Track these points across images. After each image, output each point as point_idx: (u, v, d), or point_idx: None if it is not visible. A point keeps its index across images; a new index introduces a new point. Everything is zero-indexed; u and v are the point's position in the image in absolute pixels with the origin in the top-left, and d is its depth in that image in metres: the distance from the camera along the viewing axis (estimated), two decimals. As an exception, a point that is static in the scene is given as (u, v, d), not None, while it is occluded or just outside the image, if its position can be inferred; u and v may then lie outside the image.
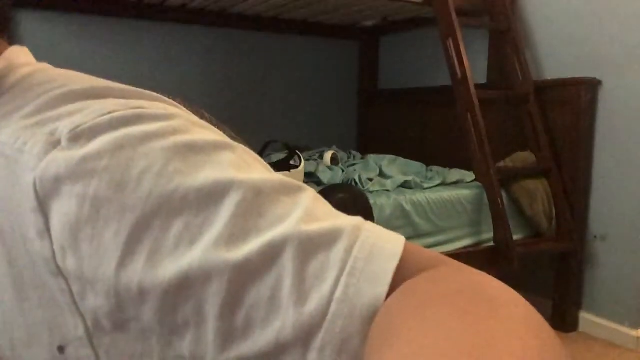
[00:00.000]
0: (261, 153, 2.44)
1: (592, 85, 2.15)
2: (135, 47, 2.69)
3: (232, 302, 0.27)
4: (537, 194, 2.18)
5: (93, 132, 0.30)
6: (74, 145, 0.30)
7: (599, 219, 2.19)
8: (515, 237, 2.10)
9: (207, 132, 0.33)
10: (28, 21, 2.42)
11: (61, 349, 0.31)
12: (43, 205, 0.30)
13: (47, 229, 0.30)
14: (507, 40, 2.32)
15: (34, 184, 0.30)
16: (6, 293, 0.32)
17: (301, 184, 0.33)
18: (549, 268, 2.29)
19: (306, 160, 2.37)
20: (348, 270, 0.27)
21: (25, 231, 0.30)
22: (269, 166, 0.35)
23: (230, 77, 2.94)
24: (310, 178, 2.28)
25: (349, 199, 1.68)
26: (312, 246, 0.28)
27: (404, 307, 0.25)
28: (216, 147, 0.32)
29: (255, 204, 0.29)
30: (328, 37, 3.18)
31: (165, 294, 0.28)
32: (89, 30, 2.57)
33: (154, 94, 0.36)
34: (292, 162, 2.23)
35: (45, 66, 0.39)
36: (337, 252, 0.28)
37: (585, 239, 2.23)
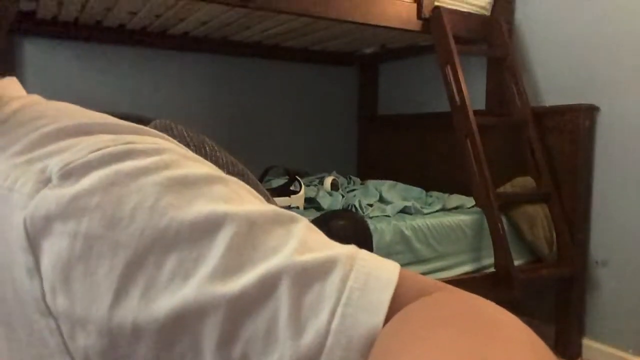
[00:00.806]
0: (261, 178, 2.45)
1: (590, 111, 2.17)
2: (136, 74, 2.73)
3: (229, 336, 0.27)
4: (537, 219, 2.18)
5: (84, 169, 0.30)
6: (64, 183, 0.30)
7: (600, 244, 2.18)
8: (516, 263, 2.09)
9: (199, 165, 0.33)
10: (30, 48, 2.45)
11: None
12: (33, 245, 0.29)
13: (37, 268, 0.29)
14: (505, 67, 2.35)
15: (24, 223, 0.30)
16: None
17: (294, 214, 0.32)
18: (550, 294, 2.27)
19: (306, 185, 2.38)
20: (344, 300, 0.27)
21: (15, 271, 0.30)
22: (261, 197, 0.35)
23: (231, 103, 2.97)
24: (311, 203, 2.28)
25: (349, 225, 1.68)
26: (307, 277, 0.28)
27: (402, 332, 0.25)
28: (208, 180, 0.32)
29: (249, 237, 0.29)
30: (328, 64, 3.22)
31: (161, 331, 0.27)
32: (90, 57, 2.60)
33: (145, 128, 0.36)
34: (292, 188, 2.24)
35: (35, 99, 0.39)
36: (332, 282, 0.28)
37: (587, 264, 2.22)
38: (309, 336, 0.27)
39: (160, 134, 0.36)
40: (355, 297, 0.27)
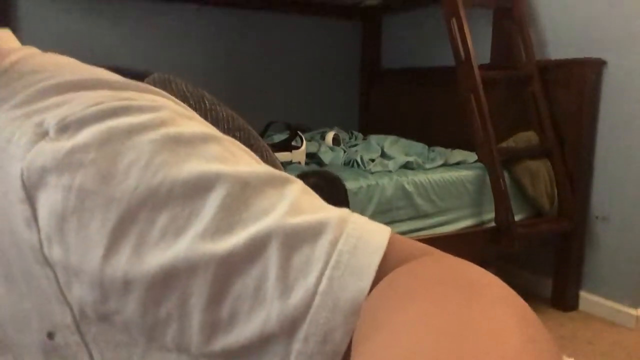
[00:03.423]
0: (263, 133, 2.44)
1: (596, 66, 2.13)
2: (136, 27, 2.67)
3: (217, 294, 0.28)
4: (539, 175, 2.18)
5: (80, 123, 0.31)
6: (61, 137, 0.30)
7: (601, 200, 2.19)
8: (516, 218, 2.10)
9: (195, 124, 0.33)
10: (25, 1, 2.39)
11: (50, 335, 0.31)
12: (30, 196, 0.30)
13: (35, 218, 0.30)
14: (511, 19, 2.30)
15: (21, 175, 0.30)
16: None
17: (288, 175, 0.33)
18: (549, 247, 2.30)
19: (308, 140, 2.37)
20: (332, 263, 0.28)
21: (13, 221, 0.31)
22: (257, 157, 0.35)
23: (232, 57, 2.92)
24: (312, 159, 2.28)
25: (321, 183, 1.69)
26: (297, 239, 0.28)
27: (386, 302, 0.26)
28: (203, 139, 0.32)
29: (242, 197, 0.29)
30: (330, 17, 3.15)
31: (150, 286, 0.28)
32: (89, 9, 2.55)
33: (145, 84, 0.36)
34: (293, 143, 2.23)
35: (32, 51, 0.38)
36: (322, 245, 0.28)
37: (587, 219, 2.23)
38: (297, 296, 0.27)
39: (160, 90, 0.36)
40: (343, 261, 0.28)
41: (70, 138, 0.30)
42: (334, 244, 0.28)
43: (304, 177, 1.68)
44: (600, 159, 2.18)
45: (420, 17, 2.95)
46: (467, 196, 2.11)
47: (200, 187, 0.29)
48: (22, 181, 0.30)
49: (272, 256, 0.28)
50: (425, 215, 2.02)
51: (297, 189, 0.32)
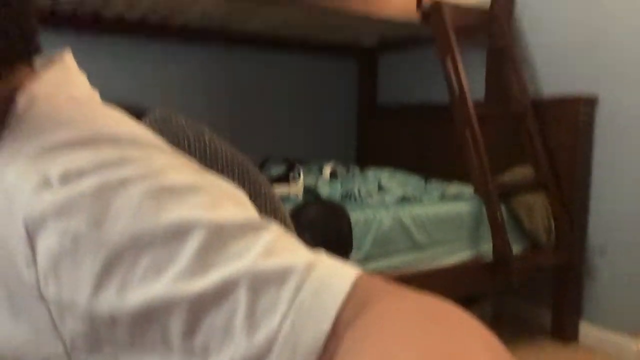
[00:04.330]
0: (261, 167, 2.46)
1: (589, 102, 2.17)
2: (138, 65, 2.73)
3: (191, 329, 0.31)
4: (535, 208, 2.19)
5: (80, 175, 0.34)
6: (61, 186, 0.34)
7: (598, 231, 2.20)
8: (514, 250, 2.10)
9: (186, 174, 0.37)
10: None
11: None
12: (31, 239, 0.33)
13: (34, 259, 0.33)
14: (505, 57, 2.36)
15: (24, 220, 0.34)
16: (3, 311, 0.36)
17: (266, 221, 0.35)
18: (548, 279, 2.29)
19: (305, 174, 2.39)
20: (295, 307, 0.30)
21: (17, 261, 0.34)
22: (244, 200, 0.38)
23: (232, 93, 2.98)
24: (310, 192, 2.29)
25: (319, 215, 1.70)
26: (265, 282, 0.31)
27: (365, 334, 0.28)
28: (189, 189, 0.35)
29: (218, 242, 0.32)
30: (328, 55, 3.22)
31: (134, 320, 0.31)
32: (92, 48, 2.61)
33: (144, 137, 0.39)
34: (291, 177, 2.25)
35: (63, 102, 0.42)
36: (288, 288, 0.31)
37: (584, 251, 2.24)
38: (261, 336, 0.30)
39: (159, 142, 0.40)
40: (305, 305, 0.30)
41: (69, 187, 0.34)
42: (299, 288, 0.31)
43: (306, 207, 1.68)
44: (596, 191, 2.20)
45: (415, 55, 3.01)
46: (465, 229, 2.12)
47: (179, 231, 0.32)
48: (25, 225, 0.34)
49: (241, 297, 0.31)
50: (423, 248, 2.02)
51: (273, 233, 0.34)
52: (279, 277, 0.31)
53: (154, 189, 0.34)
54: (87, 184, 0.34)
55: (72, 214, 0.33)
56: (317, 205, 1.76)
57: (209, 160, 0.57)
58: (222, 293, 0.31)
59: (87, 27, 2.55)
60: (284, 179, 2.21)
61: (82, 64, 0.50)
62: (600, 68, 2.15)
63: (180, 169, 0.38)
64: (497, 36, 2.37)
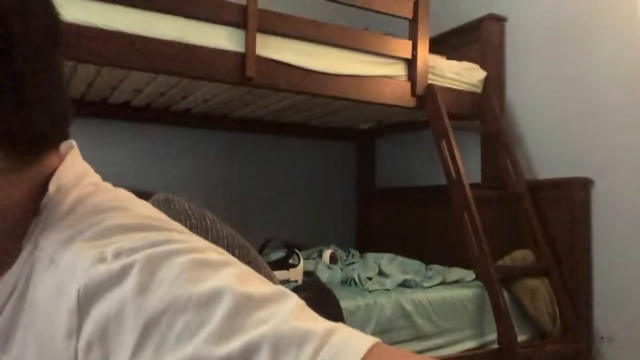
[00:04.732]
0: (261, 250, 2.44)
1: (584, 184, 2.20)
2: (139, 149, 2.78)
3: None
4: (538, 293, 2.15)
5: (132, 251, 0.38)
6: (115, 260, 0.38)
7: (604, 318, 2.14)
8: (520, 338, 2.04)
9: (219, 253, 0.41)
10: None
11: None
12: (81, 309, 0.36)
13: (78, 329, 0.36)
14: (498, 141, 2.41)
15: (78, 291, 0.37)
16: None
17: (291, 293, 0.38)
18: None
19: (305, 259, 2.36)
20: None
21: (57, 331, 0.37)
22: (268, 281, 0.41)
23: (232, 177, 3.01)
24: (310, 277, 2.26)
25: (314, 297, 1.68)
26: (285, 345, 0.32)
27: None
28: (224, 263, 0.39)
29: (245, 308, 0.35)
30: (326, 139, 3.30)
31: None
32: (95, 133, 2.67)
33: (181, 226, 0.45)
34: (291, 261, 2.22)
35: (89, 190, 0.47)
36: (307, 352, 0.32)
37: (592, 339, 2.16)
38: None
39: (189, 232, 0.45)
40: None
41: (122, 261, 0.37)
42: (317, 351, 0.32)
43: (296, 291, 1.65)
44: (599, 275, 2.16)
45: (411, 139, 3.09)
46: (468, 316, 2.06)
47: (212, 298, 0.35)
48: (78, 296, 0.36)
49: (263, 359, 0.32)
50: (426, 337, 1.96)
51: (295, 303, 0.36)
52: (299, 340, 0.32)
53: (194, 262, 0.37)
54: (138, 256, 0.37)
55: (122, 282, 0.36)
56: (306, 289, 1.73)
57: (212, 241, 0.56)
58: (245, 356, 0.32)
59: (94, 113, 2.62)
60: (284, 263, 2.18)
61: (82, 148, 0.53)
62: (594, 151, 2.20)
63: (214, 249, 0.42)
64: (489, 120, 2.44)
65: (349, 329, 0.34)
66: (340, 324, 0.35)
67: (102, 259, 0.38)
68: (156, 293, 0.35)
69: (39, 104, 0.41)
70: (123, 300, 0.35)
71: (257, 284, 0.38)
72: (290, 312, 0.35)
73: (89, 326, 0.35)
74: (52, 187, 0.44)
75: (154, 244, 0.39)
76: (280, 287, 0.39)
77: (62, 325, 0.36)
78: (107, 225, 0.41)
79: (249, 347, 0.32)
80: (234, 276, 0.37)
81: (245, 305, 0.35)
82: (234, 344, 0.33)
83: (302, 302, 0.37)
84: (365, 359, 0.31)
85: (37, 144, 0.43)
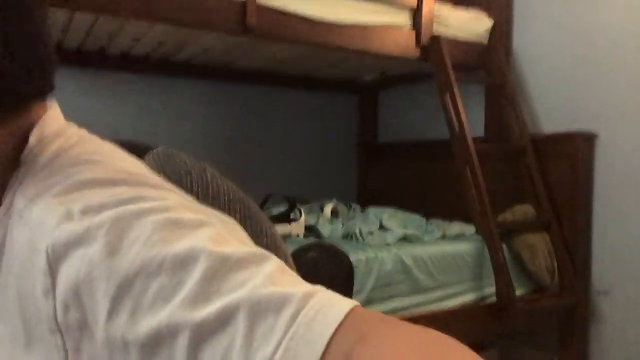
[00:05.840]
0: (262, 205, 2.44)
1: (588, 139, 2.17)
2: (138, 101, 2.74)
3: (194, 355, 0.32)
4: (538, 248, 2.16)
5: (100, 208, 0.37)
6: (82, 218, 0.36)
7: (602, 273, 2.16)
8: (518, 292, 2.06)
9: (194, 212, 0.39)
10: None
11: None
12: (52, 269, 0.36)
13: (53, 289, 0.35)
14: (503, 94, 2.37)
15: (46, 250, 0.36)
16: (19, 344, 0.38)
17: (269, 254, 0.37)
18: (553, 323, 2.24)
19: (307, 213, 2.37)
20: (290, 334, 0.31)
21: (35, 291, 0.36)
22: (248, 241, 0.40)
23: (232, 130, 2.98)
24: (311, 231, 2.27)
25: (320, 257, 1.68)
26: (262, 309, 0.32)
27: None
28: (199, 223, 0.37)
29: (221, 271, 0.34)
30: (328, 92, 3.25)
31: (143, 345, 0.33)
32: (93, 85, 2.62)
33: (157, 180, 0.43)
34: (292, 215, 2.23)
35: (72, 141, 0.45)
36: (284, 316, 0.31)
37: (589, 293, 2.19)
38: None
39: (171, 186, 0.44)
40: (300, 332, 0.31)
41: (89, 219, 0.36)
42: (295, 316, 0.31)
43: (305, 251, 1.66)
44: (599, 231, 2.17)
45: (415, 92, 3.04)
46: (467, 270, 2.08)
47: (186, 260, 0.34)
48: (47, 255, 0.36)
49: (240, 325, 0.31)
50: (425, 290, 1.98)
51: (275, 266, 0.35)
52: (276, 304, 0.32)
53: (166, 222, 0.36)
54: (107, 214, 0.36)
55: (90, 241, 0.35)
56: (318, 248, 1.73)
57: (211, 197, 0.56)
58: (221, 321, 0.32)
59: (92, 63, 2.57)
60: (285, 217, 2.19)
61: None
62: (599, 105, 2.16)
63: (190, 207, 0.40)
64: (494, 72, 2.40)
65: (328, 292, 0.34)
66: (319, 287, 0.34)
67: (69, 216, 0.37)
68: (127, 254, 0.34)
69: (9, 53, 0.39)
70: (92, 261, 0.34)
71: (233, 245, 0.37)
72: (268, 275, 0.34)
73: (62, 286, 0.35)
74: (32, 138, 0.43)
75: (124, 202, 0.37)
76: (258, 248, 0.38)
77: (38, 283, 0.36)
78: (77, 180, 0.40)
79: (225, 312, 0.32)
80: (209, 236, 0.36)
81: (221, 268, 0.34)
82: (210, 309, 0.32)
83: (281, 263, 0.36)
84: (344, 323, 0.31)
85: (14, 94, 0.41)
